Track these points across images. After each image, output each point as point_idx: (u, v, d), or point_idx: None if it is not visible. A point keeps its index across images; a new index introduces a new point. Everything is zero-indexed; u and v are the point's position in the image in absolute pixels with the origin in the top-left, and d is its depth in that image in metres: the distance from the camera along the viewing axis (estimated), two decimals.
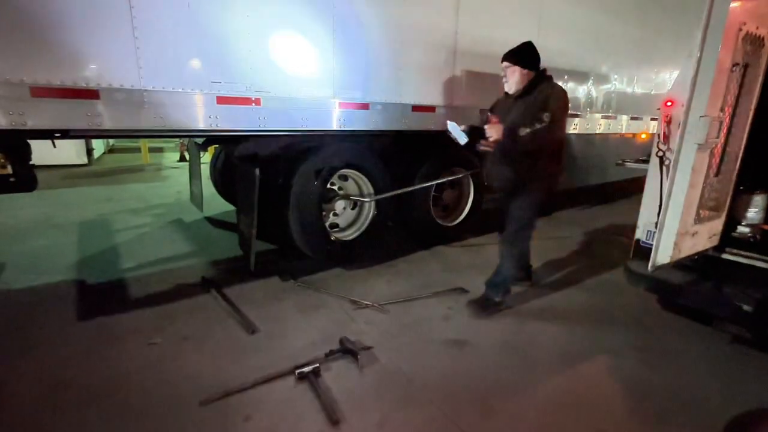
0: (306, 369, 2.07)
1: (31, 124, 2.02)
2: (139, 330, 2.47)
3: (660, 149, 2.32)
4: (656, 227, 2.38)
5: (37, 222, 4.39)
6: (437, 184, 3.83)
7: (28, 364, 2.14)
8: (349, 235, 3.49)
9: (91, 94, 2.14)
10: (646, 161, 3.42)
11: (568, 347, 2.46)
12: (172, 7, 2.30)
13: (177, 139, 8.81)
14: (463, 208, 4.21)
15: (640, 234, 2.58)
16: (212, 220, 4.74)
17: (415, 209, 3.81)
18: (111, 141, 9.81)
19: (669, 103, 2.29)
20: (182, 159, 8.89)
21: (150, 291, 2.94)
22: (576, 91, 4.83)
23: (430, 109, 3.56)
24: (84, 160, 7.57)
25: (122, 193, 6.04)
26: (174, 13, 2.30)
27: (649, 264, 1.94)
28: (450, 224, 4.15)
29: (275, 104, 2.74)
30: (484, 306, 2.77)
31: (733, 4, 1.57)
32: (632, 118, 5.85)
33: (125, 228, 4.35)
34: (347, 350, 2.24)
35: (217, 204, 4.97)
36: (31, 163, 2.20)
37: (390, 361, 2.25)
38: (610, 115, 5.41)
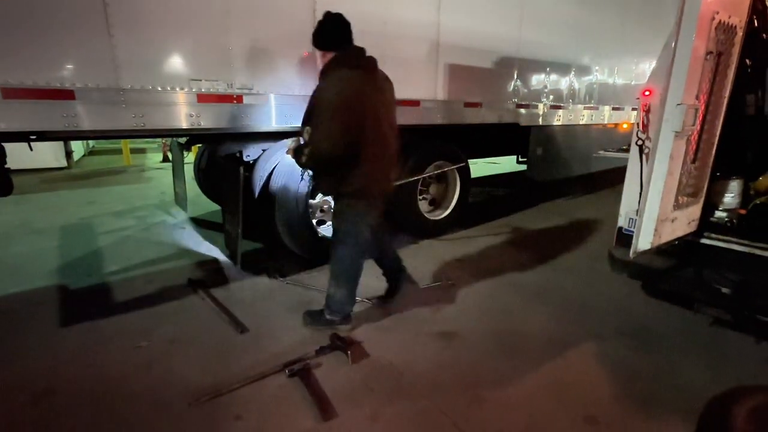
0: (296, 366, 2.07)
1: (3, 126, 1.96)
2: (124, 334, 2.43)
3: (639, 138, 2.36)
4: (637, 214, 2.44)
5: (15, 228, 4.27)
6: (423, 178, 3.84)
7: (12, 372, 2.09)
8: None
9: (66, 94, 2.09)
10: (627, 150, 3.49)
11: (554, 335, 2.50)
12: (148, 2, 2.25)
13: (159, 140, 8.65)
14: (450, 202, 4.23)
15: (622, 222, 2.64)
16: (197, 221, 4.68)
17: (401, 203, 3.81)
18: (91, 143, 9.58)
19: (647, 93, 2.34)
20: (165, 160, 8.72)
21: (135, 294, 2.90)
22: (558, 82, 4.89)
23: (415, 103, 3.57)
24: (63, 163, 7.38)
25: (104, 195, 5.91)
26: (151, 8, 2.25)
27: (631, 250, 1.98)
28: (437, 218, 4.17)
29: (257, 101, 2.71)
30: (315, 318, 2.48)
31: None
32: (614, 109, 5.96)
33: (108, 231, 4.26)
34: (337, 346, 2.24)
35: (201, 204, 4.90)
36: (6, 166, 2.14)
37: (380, 355, 2.26)
38: (592, 105, 5.50)
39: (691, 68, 1.64)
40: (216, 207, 4.92)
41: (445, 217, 4.20)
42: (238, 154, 3.17)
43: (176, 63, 2.39)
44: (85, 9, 2.09)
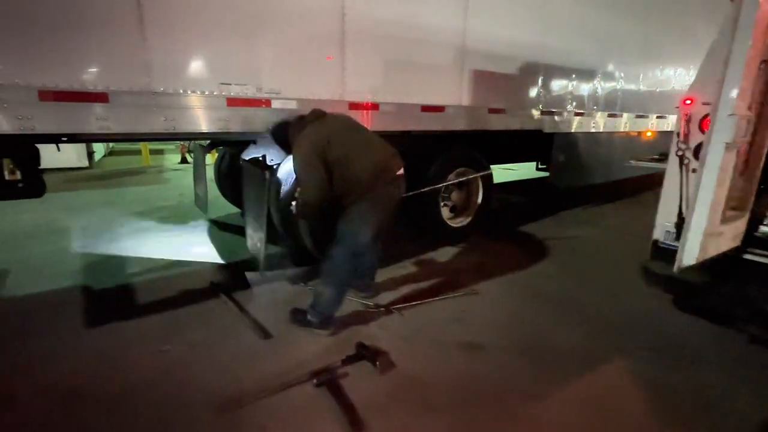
0: (323, 376, 2.03)
1: (39, 128, 1.97)
2: (147, 337, 2.42)
3: (679, 148, 2.28)
4: (675, 227, 2.35)
5: (39, 227, 4.33)
6: (446, 185, 3.79)
7: (37, 373, 2.08)
8: None
9: (101, 97, 2.09)
10: (659, 160, 3.39)
11: (584, 349, 2.42)
12: (182, 7, 2.25)
13: (178, 141, 8.74)
14: (472, 209, 4.17)
15: (657, 234, 2.55)
16: (217, 223, 4.69)
17: (423, 211, 3.76)
18: (111, 143, 9.74)
19: (688, 101, 2.26)
20: (183, 161, 8.83)
21: (157, 297, 2.89)
22: (583, 89, 4.81)
23: (440, 109, 3.53)
24: (85, 163, 7.51)
25: (124, 196, 5.98)
26: (183, 12, 2.25)
27: (675, 265, 1.90)
28: (458, 225, 4.11)
29: (285, 106, 2.69)
30: (296, 317, 2.53)
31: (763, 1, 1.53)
32: (637, 116, 5.84)
33: (129, 232, 4.29)
34: (364, 356, 2.20)
35: (220, 206, 4.91)
36: (39, 168, 2.15)
37: (406, 365, 2.21)
38: (615, 113, 5.40)
39: (744, 77, 1.57)
40: (234, 210, 4.94)
41: (467, 224, 4.14)
42: (262, 158, 3.16)
43: (206, 67, 2.39)
44: (121, 13, 2.10)
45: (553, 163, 4.84)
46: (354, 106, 3.00)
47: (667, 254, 2.48)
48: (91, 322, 2.56)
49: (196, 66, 2.35)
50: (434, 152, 3.73)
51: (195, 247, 3.91)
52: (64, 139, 2.20)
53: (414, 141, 3.56)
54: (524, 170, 7.50)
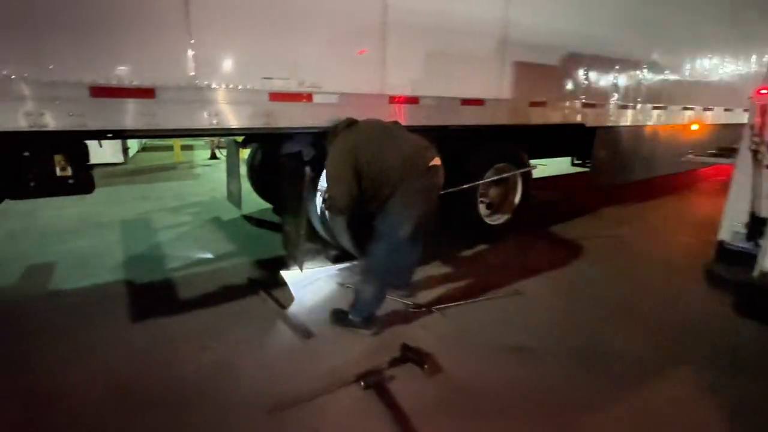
0: (370, 378, 1.98)
1: (90, 124, 1.97)
2: (191, 333, 2.42)
3: (754, 142, 2.10)
4: (746, 228, 2.18)
5: (81, 221, 4.44)
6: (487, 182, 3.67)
7: (87, 368, 2.11)
8: None
9: (148, 93, 2.08)
10: (719, 154, 3.17)
11: (641, 356, 2.28)
12: (226, 1, 2.21)
13: (216, 137, 8.84)
14: (511, 206, 4.03)
15: (724, 235, 2.37)
16: (250, 218, 4.71)
17: (460, 208, 3.65)
18: (144, 140, 9.98)
19: (764, 91, 2.07)
20: (213, 157, 8.95)
21: (198, 292, 2.90)
22: (627, 81, 4.57)
23: (479, 102, 3.40)
24: (120, 159, 7.70)
25: (158, 191, 6.09)
26: (228, 7, 2.22)
27: (755, 270, 1.75)
28: (496, 222, 3.98)
29: (326, 100, 2.63)
30: (338, 318, 2.48)
31: None
32: (683, 108, 5.53)
33: (165, 227, 4.35)
34: (410, 358, 2.13)
35: (252, 201, 4.92)
36: (89, 164, 2.16)
37: (453, 369, 2.13)
38: (661, 105, 5.12)
39: None
40: (266, 205, 4.96)
41: (505, 222, 4.00)
42: (299, 154, 3.12)
43: (249, 61, 2.35)
44: (167, 9, 2.08)
45: (594, 159, 4.62)
46: (394, 100, 2.92)
47: (735, 256, 2.31)
48: (136, 317, 2.58)
49: (239, 60, 2.32)
50: (473, 148, 3.61)
51: (230, 242, 3.92)
52: (110, 135, 2.20)
53: (452, 136, 3.44)
54: (557, 165, 7.26)
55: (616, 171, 4.89)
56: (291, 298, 2.85)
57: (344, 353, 2.24)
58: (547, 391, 2.00)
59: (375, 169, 2.21)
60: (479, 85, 3.38)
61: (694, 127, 5.98)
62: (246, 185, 4.82)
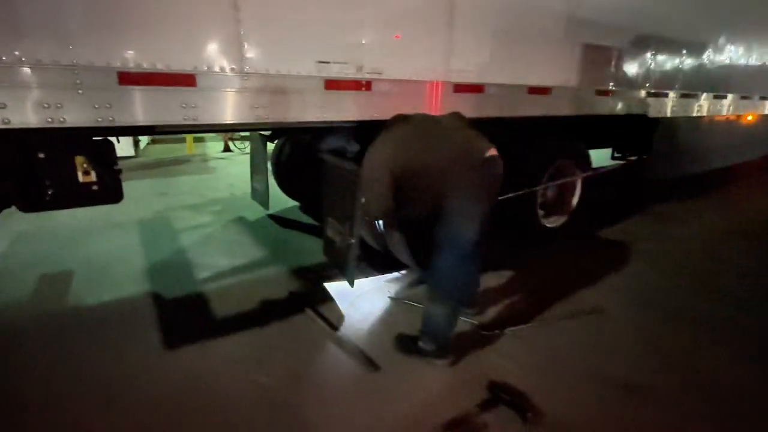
0: (462, 429, 1.63)
1: (120, 119, 1.60)
2: (235, 361, 2.08)
3: None
4: None
5: (97, 221, 4.09)
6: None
7: (122, 399, 1.78)
8: None
9: (187, 80, 1.71)
10: None
11: (763, 389, 1.92)
12: None
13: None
14: (569, 207, 3.65)
15: None
16: (277, 218, 4.35)
17: (517, 210, 3.27)
18: None
19: None
20: (226, 149, 8.58)
21: (234, 309, 2.56)
22: (692, 67, 4.13)
23: (545, 91, 3.00)
24: (131, 151, 7.33)
25: (174, 186, 5.74)
26: None
27: None
28: (552, 225, 3.61)
29: (386, 88, 2.25)
30: (406, 345, 2.16)
31: None
32: (742, 98, 5.10)
33: (187, 228, 4.00)
34: (504, 400, 1.78)
35: (277, 200, 4.55)
36: (117, 167, 1.80)
37: (554, 411, 1.77)
38: (721, 94, 4.69)
39: None
40: (292, 203, 4.61)
41: (562, 224, 3.62)
42: (345, 150, 2.74)
43: (304, 41, 1.96)
44: None
45: (654, 152, 4.22)
46: (459, 88, 2.53)
47: None
48: (169, 340, 2.24)
49: (294, 40, 1.93)
50: (534, 142, 3.22)
51: (260, 247, 3.57)
52: (140, 131, 1.84)
53: (513, 129, 3.04)
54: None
55: (674, 164, 4.49)
56: (341, 317, 2.50)
57: (421, 392, 1.90)
58: None
59: (423, 168, 1.88)
60: (545, 71, 2.97)
61: (750, 117, 5.57)
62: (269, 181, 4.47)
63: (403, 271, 3.08)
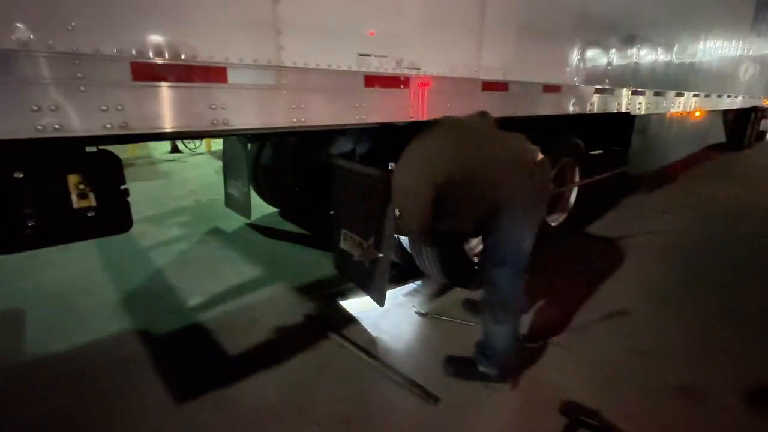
0: None
1: (135, 125, 1.22)
2: (270, 411, 1.75)
3: None
4: None
5: None
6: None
7: None
8: (477, 246, 2.86)
9: (217, 74, 1.35)
10: None
11: None
12: None
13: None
14: (567, 203, 3.66)
15: None
16: (257, 228, 3.93)
17: None
18: None
19: None
20: (175, 150, 7.76)
21: (247, 343, 2.20)
22: (665, 67, 4.35)
23: (557, 89, 2.94)
24: None
25: None
26: None
27: None
28: (555, 222, 3.60)
29: (423, 85, 2.02)
30: (461, 369, 1.98)
31: None
32: (706, 96, 5.55)
33: (156, 245, 3.47)
34: (588, 425, 1.65)
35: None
36: (123, 187, 1.39)
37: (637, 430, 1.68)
38: (684, 92, 5.02)
39: None
40: (270, 209, 4.22)
41: (562, 222, 3.63)
42: (354, 152, 2.48)
43: (346, 29, 1.67)
44: None
45: (632, 147, 4.39)
46: (488, 86, 2.35)
47: None
48: (176, 389, 1.85)
49: (334, 29, 1.63)
50: (544, 142, 3.15)
51: (250, 263, 3.17)
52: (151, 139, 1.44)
53: (528, 129, 2.94)
54: None
55: (646, 158, 4.73)
56: (372, 341, 2.25)
57: (494, 423, 1.72)
58: None
59: (473, 177, 1.70)
60: (557, 69, 2.90)
61: (697, 114, 6.05)
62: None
63: (419, 282, 2.88)
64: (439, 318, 2.45)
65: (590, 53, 3.13)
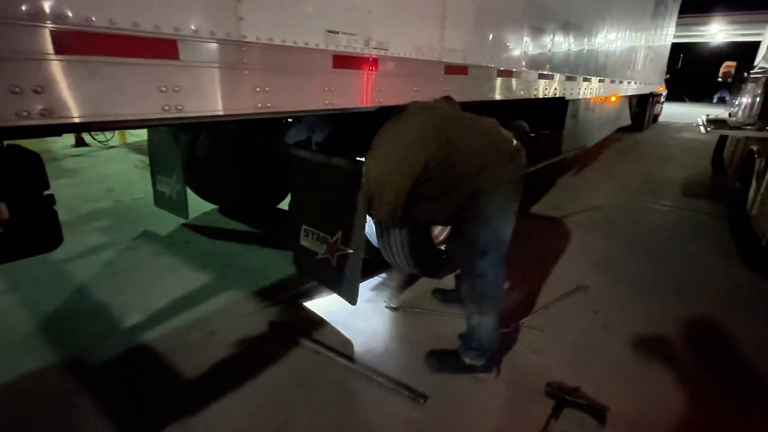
0: None
1: (61, 112, 0.94)
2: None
3: None
4: None
5: None
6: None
7: None
8: (441, 235, 2.81)
9: (166, 48, 1.10)
10: (738, 127, 3.33)
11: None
12: None
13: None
14: None
15: None
16: (195, 228, 3.54)
17: None
18: None
19: None
20: (80, 143, 6.75)
21: (207, 360, 1.93)
22: (589, 55, 4.65)
23: (509, 73, 2.97)
24: None
25: None
26: None
27: None
28: None
29: (390, 68, 1.88)
30: (446, 363, 1.93)
31: None
32: (620, 82, 6.05)
33: (74, 256, 2.94)
34: (573, 403, 1.69)
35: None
36: (48, 193, 1.08)
37: (615, 402, 1.74)
38: (605, 79, 5.43)
39: None
40: (208, 206, 3.84)
41: None
42: (310, 141, 2.29)
43: (312, 3, 1.47)
44: None
45: (566, 129, 4.68)
46: (450, 69, 2.28)
47: None
48: (130, 428, 1.56)
49: (300, 3, 1.42)
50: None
51: (196, 268, 2.83)
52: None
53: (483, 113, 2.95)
54: None
55: (575, 139, 5.09)
56: (347, 342, 2.11)
57: (487, 414, 1.69)
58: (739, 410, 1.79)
59: (454, 163, 1.66)
60: (508, 53, 2.92)
61: (613, 99, 6.63)
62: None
63: (384, 275, 2.78)
64: (411, 310, 2.38)
65: (534, 40, 3.20)
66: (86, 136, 6.80)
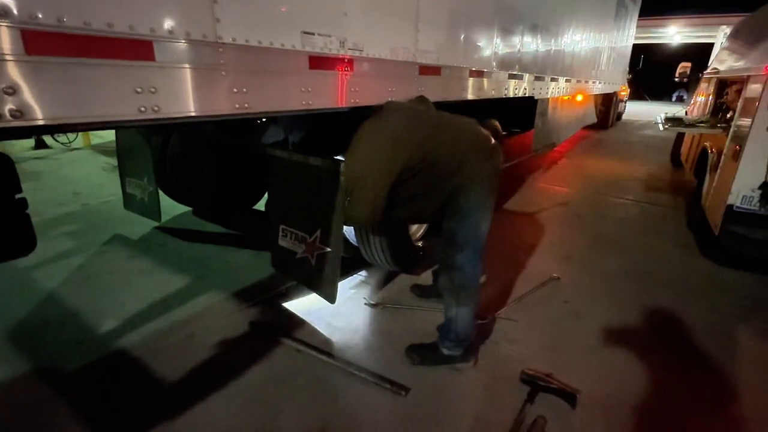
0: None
1: (35, 113, 0.93)
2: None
3: None
4: (760, 191, 2.43)
5: None
6: None
7: None
8: (417, 232, 2.87)
9: (141, 49, 1.10)
10: (692, 125, 3.53)
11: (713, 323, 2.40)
12: None
13: None
14: None
15: (733, 199, 2.63)
16: (168, 230, 3.48)
17: None
18: None
19: None
20: (41, 145, 6.45)
21: (188, 363, 1.92)
22: (555, 55, 4.82)
23: (480, 74, 3.05)
24: None
25: None
26: None
27: None
28: None
29: (365, 69, 1.91)
30: (426, 355, 1.98)
31: None
32: (587, 82, 6.28)
33: (42, 262, 2.83)
34: (542, 387, 1.78)
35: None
36: (20, 196, 1.06)
37: (589, 387, 1.84)
38: (571, 79, 5.64)
39: None
40: (184, 209, 3.77)
41: None
42: (287, 141, 2.30)
43: (288, 6, 1.48)
44: None
45: (536, 128, 4.84)
46: (424, 70, 2.34)
47: (745, 219, 2.60)
48: None
49: (276, 5, 1.44)
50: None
51: (172, 272, 2.78)
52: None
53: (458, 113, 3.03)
54: None
55: (549, 136, 5.27)
56: (328, 340, 2.14)
57: (467, 403, 1.75)
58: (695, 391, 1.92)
59: (435, 161, 1.72)
60: (480, 54, 3.01)
61: (579, 97, 6.88)
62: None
63: (364, 272, 2.82)
64: (391, 307, 2.43)
65: (505, 41, 3.31)
66: (47, 138, 6.51)
